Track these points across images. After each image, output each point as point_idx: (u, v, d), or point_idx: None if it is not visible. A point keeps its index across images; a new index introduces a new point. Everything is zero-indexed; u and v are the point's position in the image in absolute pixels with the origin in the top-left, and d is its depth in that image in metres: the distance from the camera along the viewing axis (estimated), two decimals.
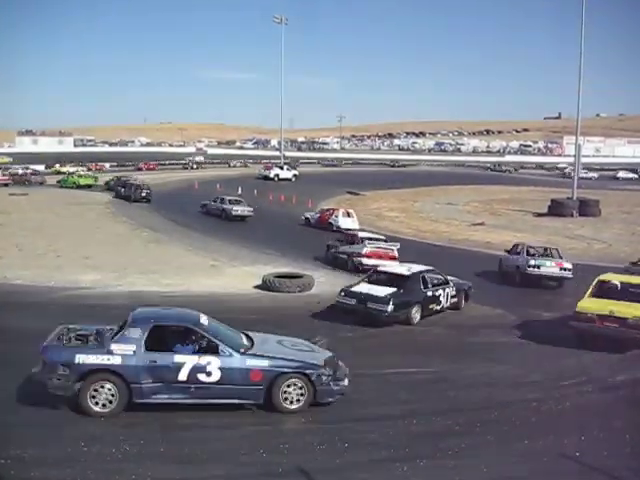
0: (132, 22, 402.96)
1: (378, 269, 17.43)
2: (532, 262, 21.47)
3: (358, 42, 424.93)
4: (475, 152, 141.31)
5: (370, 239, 24.82)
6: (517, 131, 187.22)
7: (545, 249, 22.94)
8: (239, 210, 36.17)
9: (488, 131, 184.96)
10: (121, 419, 8.60)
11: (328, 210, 36.89)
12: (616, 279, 14.69)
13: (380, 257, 22.41)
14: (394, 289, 15.44)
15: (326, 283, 19.99)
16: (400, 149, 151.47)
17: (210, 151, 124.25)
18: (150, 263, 22.02)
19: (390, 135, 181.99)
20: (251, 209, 36.52)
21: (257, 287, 18.91)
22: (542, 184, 69.91)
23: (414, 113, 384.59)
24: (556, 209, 43.76)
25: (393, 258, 22.55)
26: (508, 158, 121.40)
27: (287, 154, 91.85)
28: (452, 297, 16.94)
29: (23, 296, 16.63)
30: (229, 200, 37.14)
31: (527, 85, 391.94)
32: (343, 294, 15.96)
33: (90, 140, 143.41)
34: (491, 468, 7.62)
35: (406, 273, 16.33)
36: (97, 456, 7.45)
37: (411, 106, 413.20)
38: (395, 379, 11.19)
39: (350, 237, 25.63)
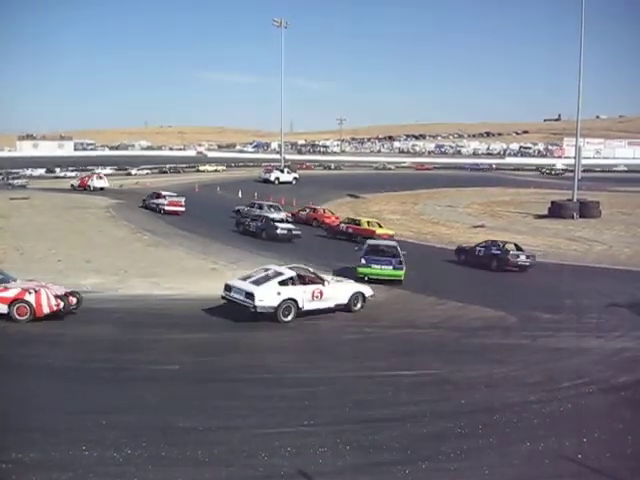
0: (132, 25, 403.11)
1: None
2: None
3: (358, 45, 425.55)
4: (475, 154, 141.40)
5: (170, 195, 38.84)
6: (517, 133, 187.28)
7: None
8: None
9: (488, 133, 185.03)
10: (122, 422, 8.60)
11: (86, 176, 52.35)
12: None
13: (175, 205, 37.68)
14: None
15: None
16: (400, 152, 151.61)
17: (210, 154, 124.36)
18: (151, 266, 22.02)
19: (390, 138, 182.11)
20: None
21: None
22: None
23: (414, 115, 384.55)
24: (556, 211, 43.74)
25: (182, 205, 37.79)
26: (508, 160, 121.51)
27: (287, 157, 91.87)
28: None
29: None
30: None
31: (527, 87, 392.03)
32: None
33: (90, 144, 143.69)
34: (493, 470, 7.62)
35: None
36: (98, 459, 7.44)
37: (411, 109, 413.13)
38: (396, 381, 11.18)
39: (156, 195, 39.34)
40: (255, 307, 14.95)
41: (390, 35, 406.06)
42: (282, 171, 67.70)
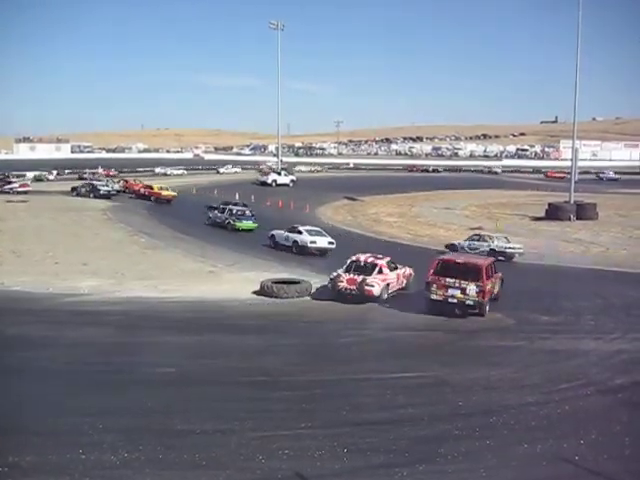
0: (129, 29, 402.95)
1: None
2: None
3: (355, 48, 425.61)
4: (472, 156, 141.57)
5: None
6: (514, 135, 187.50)
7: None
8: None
9: (485, 135, 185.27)
10: (119, 425, 8.58)
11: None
12: None
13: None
14: None
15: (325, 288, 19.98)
16: (397, 154, 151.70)
17: (207, 157, 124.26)
18: (148, 269, 22.01)
19: (387, 140, 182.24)
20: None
21: (255, 293, 18.90)
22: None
23: (411, 118, 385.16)
24: (554, 213, 43.81)
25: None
26: (505, 162, 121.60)
27: (284, 159, 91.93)
28: None
29: (21, 303, 16.61)
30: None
31: (524, 89, 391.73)
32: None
33: (87, 146, 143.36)
34: (491, 472, 7.62)
35: None
36: (95, 463, 7.42)
37: (408, 111, 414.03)
38: (394, 383, 11.18)
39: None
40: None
41: (387, 38, 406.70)
42: (279, 174, 67.72)
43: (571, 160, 48.22)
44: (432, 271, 17.30)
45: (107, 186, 48.46)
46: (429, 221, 43.03)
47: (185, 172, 77.86)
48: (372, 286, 18.23)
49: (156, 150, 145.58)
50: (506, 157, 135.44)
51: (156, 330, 14.58)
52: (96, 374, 11.15)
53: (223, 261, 24.53)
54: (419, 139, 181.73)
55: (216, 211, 35.84)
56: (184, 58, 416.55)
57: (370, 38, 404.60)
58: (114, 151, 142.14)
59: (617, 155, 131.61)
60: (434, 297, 17.09)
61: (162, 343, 13.65)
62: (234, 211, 35.00)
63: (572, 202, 44.75)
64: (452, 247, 29.14)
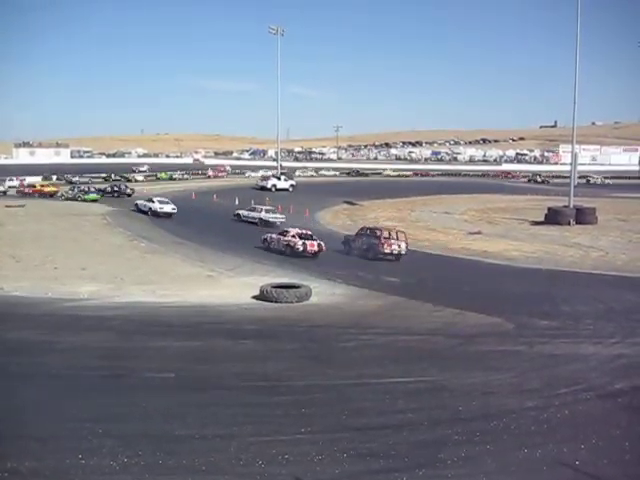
0: (128, 34, 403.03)
1: None
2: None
3: (354, 53, 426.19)
4: (472, 161, 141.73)
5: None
6: (513, 140, 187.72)
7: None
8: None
9: (484, 140, 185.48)
10: (119, 430, 8.57)
11: None
12: None
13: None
14: None
15: (323, 293, 20.00)
16: (397, 158, 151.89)
17: (207, 162, 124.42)
18: (147, 274, 22.01)
19: (387, 145, 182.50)
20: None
21: (255, 297, 18.90)
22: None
23: (410, 123, 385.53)
24: (553, 217, 43.87)
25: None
26: (505, 167, 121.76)
27: (284, 164, 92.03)
28: None
29: (20, 307, 16.60)
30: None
31: (523, 94, 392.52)
32: None
33: (87, 151, 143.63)
34: (490, 477, 7.59)
35: None
36: (95, 468, 7.40)
37: (407, 116, 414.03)
38: (393, 388, 11.16)
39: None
40: None
41: (386, 42, 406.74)
42: (279, 178, 67.77)
43: (570, 164, 48.25)
44: None
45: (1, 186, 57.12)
46: (428, 225, 43.10)
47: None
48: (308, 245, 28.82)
49: (155, 155, 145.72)
50: (505, 162, 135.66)
51: (155, 335, 14.57)
52: (95, 379, 11.13)
53: (222, 266, 24.55)
54: (418, 144, 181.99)
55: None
56: (184, 63, 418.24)
57: (369, 43, 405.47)
58: (114, 156, 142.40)
59: (616, 159, 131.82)
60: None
61: (161, 348, 13.64)
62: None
63: (571, 206, 44.82)
64: (238, 215, 40.76)
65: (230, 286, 20.86)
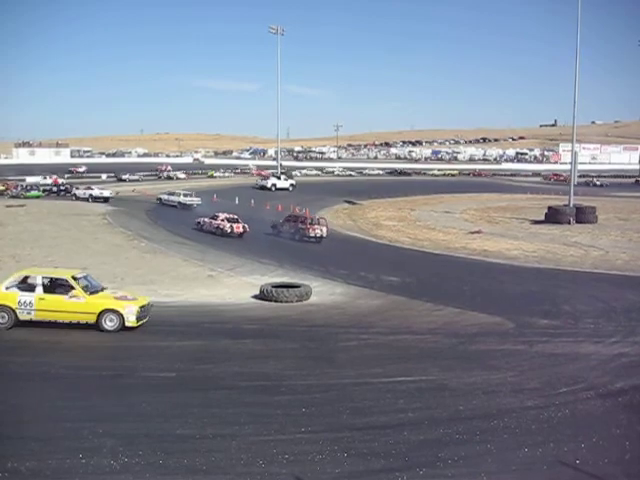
0: (128, 34, 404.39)
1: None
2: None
3: (354, 52, 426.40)
4: (472, 160, 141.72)
5: None
6: (513, 139, 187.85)
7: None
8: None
9: (485, 139, 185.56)
10: (119, 430, 8.58)
11: None
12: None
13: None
14: None
15: (324, 292, 20.00)
16: (397, 158, 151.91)
17: (207, 161, 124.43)
18: (148, 273, 22.01)
19: (387, 144, 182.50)
20: None
21: (255, 297, 18.90)
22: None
23: (411, 122, 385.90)
24: (553, 216, 43.86)
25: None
26: (504, 166, 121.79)
27: (284, 163, 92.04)
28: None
29: None
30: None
31: (523, 93, 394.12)
32: None
33: (87, 151, 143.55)
34: (491, 476, 7.60)
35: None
36: (95, 468, 7.41)
37: (407, 115, 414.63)
38: (394, 387, 11.16)
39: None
40: None
41: (386, 42, 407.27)
42: (279, 178, 67.73)
43: (570, 163, 48.24)
44: None
45: None
46: (429, 225, 43.08)
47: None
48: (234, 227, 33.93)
49: (156, 154, 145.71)
50: (505, 161, 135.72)
51: (156, 335, 14.57)
52: (96, 379, 11.14)
53: (223, 265, 24.55)
54: (418, 143, 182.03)
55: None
56: (184, 62, 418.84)
57: (369, 43, 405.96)
58: (114, 155, 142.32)
59: (616, 158, 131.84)
60: None
61: (162, 347, 13.65)
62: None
63: (572, 205, 44.80)
64: (159, 200, 46.31)
65: (231, 286, 20.86)
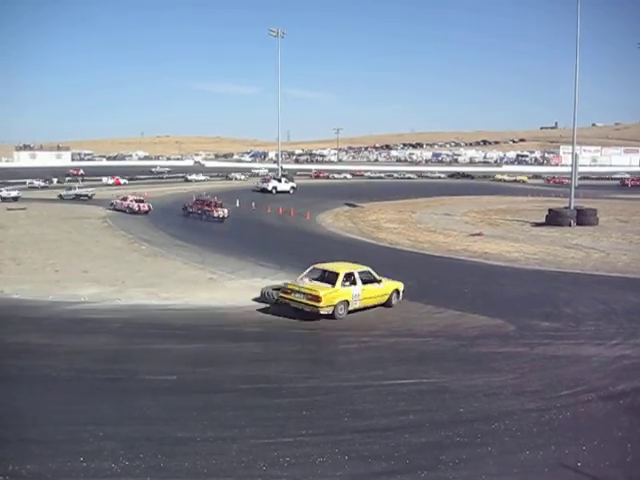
0: (129, 37, 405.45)
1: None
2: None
3: (354, 55, 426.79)
4: (472, 162, 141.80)
5: None
6: (514, 141, 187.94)
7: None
8: None
9: (485, 142, 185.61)
10: (120, 433, 8.57)
11: None
12: None
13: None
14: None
15: None
16: (397, 160, 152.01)
17: (208, 164, 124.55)
18: (148, 276, 22.00)
19: (387, 147, 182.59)
20: None
21: (256, 300, 18.89)
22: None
23: (411, 124, 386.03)
24: (554, 218, 43.82)
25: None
26: (505, 168, 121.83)
27: (285, 166, 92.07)
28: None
29: (21, 311, 16.59)
30: None
31: (523, 95, 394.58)
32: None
33: (88, 154, 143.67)
34: (492, 479, 7.59)
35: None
36: (96, 471, 7.40)
37: (408, 118, 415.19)
38: (395, 390, 11.15)
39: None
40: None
41: (386, 45, 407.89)
42: (280, 180, 67.76)
43: (571, 166, 48.25)
44: None
45: None
46: (429, 227, 43.04)
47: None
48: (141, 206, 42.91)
49: (156, 157, 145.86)
50: (506, 163, 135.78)
51: (157, 338, 14.57)
52: (96, 382, 11.13)
53: (223, 268, 24.52)
54: (419, 145, 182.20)
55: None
56: (184, 65, 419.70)
57: (369, 45, 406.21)
58: (114, 158, 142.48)
59: (617, 160, 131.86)
60: None
61: (163, 351, 13.64)
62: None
63: (572, 208, 44.78)
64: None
65: (231, 288, 20.84)
